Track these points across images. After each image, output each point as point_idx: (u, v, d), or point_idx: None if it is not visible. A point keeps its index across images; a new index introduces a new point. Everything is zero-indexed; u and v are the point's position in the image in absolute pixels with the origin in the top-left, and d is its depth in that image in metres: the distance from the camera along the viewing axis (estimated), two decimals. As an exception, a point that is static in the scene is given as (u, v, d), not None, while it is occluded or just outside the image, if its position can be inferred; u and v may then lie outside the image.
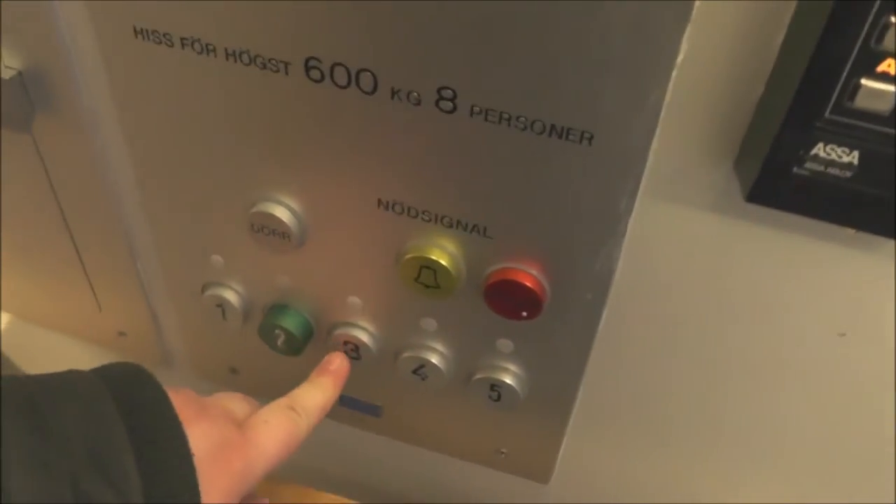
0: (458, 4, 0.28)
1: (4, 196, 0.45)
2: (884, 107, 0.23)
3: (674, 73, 0.27)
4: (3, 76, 0.37)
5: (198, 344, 0.50)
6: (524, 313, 0.36)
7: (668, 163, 0.31)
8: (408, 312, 0.40)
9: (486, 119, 0.31)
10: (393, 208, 0.35)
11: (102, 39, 0.35)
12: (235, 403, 0.36)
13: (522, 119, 0.30)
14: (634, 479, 0.46)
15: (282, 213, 0.38)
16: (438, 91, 0.30)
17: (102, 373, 0.31)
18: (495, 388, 0.41)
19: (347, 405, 0.49)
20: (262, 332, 0.44)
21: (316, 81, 0.32)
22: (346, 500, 0.55)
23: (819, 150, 0.25)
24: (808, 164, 0.25)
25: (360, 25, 0.30)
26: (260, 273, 0.42)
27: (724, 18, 0.27)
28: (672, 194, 0.32)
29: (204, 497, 0.29)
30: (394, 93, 0.31)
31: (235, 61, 0.33)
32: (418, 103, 0.31)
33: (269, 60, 0.32)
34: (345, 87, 0.32)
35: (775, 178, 0.26)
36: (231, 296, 0.44)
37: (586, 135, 0.30)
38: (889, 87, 0.23)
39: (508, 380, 0.40)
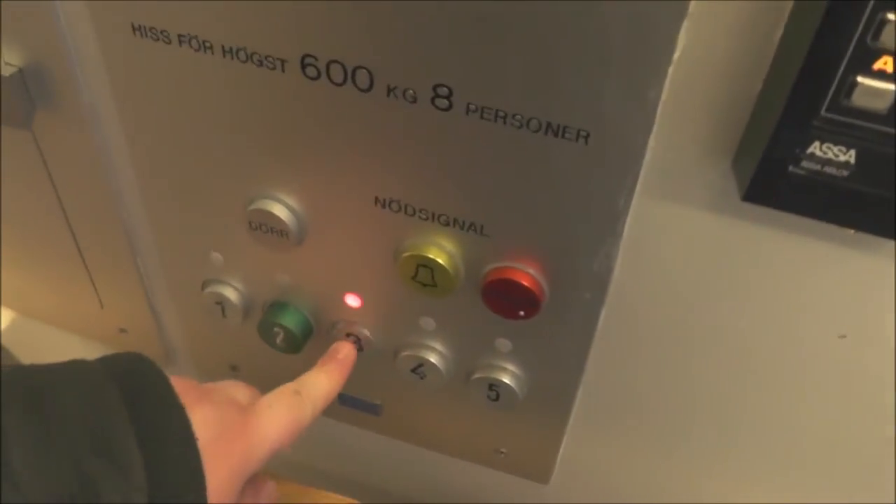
0: (453, 3, 0.28)
1: (6, 193, 0.45)
2: (881, 105, 0.23)
3: (670, 71, 0.27)
4: (3, 73, 0.37)
5: (198, 341, 0.50)
6: (522, 313, 0.36)
7: (667, 161, 0.31)
8: (406, 311, 0.40)
9: (481, 117, 0.30)
10: (390, 206, 0.35)
11: (101, 36, 0.35)
12: (238, 390, 0.36)
13: (518, 117, 0.30)
14: (636, 480, 0.46)
15: (280, 211, 0.38)
16: (434, 89, 0.30)
17: (105, 361, 0.31)
18: (494, 387, 0.41)
19: (347, 404, 0.49)
20: (262, 329, 0.44)
21: (312, 79, 0.32)
22: (346, 500, 0.55)
23: (815, 148, 0.25)
24: (805, 163, 0.25)
25: (356, 23, 0.30)
26: (259, 271, 0.42)
27: (722, 15, 0.26)
28: (671, 193, 0.32)
29: (207, 479, 0.29)
30: (389, 90, 0.31)
31: (232, 58, 0.33)
32: (414, 101, 0.31)
33: (266, 58, 0.32)
34: (341, 85, 0.32)
35: (771, 177, 0.26)
36: (230, 293, 0.44)
37: (582, 133, 0.29)
38: (886, 85, 0.23)
39: (507, 379, 0.40)
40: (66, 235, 0.46)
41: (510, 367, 0.40)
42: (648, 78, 0.27)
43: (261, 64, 0.32)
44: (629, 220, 0.32)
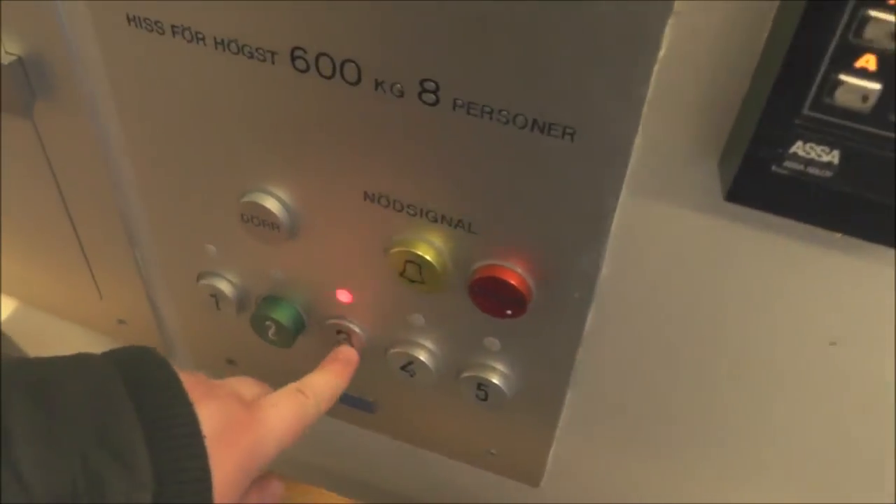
0: (440, -4, 0.28)
1: (7, 183, 0.45)
2: (864, 104, 0.23)
3: (655, 69, 0.27)
4: (2, 62, 0.37)
5: (195, 334, 0.51)
6: (509, 311, 0.36)
7: (655, 160, 0.30)
8: (396, 308, 0.40)
9: (468, 112, 0.30)
10: (379, 201, 0.35)
11: (98, 27, 0.35)
12: (246, 386, 0.37)
13: (504, 113, 0.30)
14: (629, 482, 0.45)
15: (271, 204, 0.38)
16: (421, 83, 0.30)
17: (111, 354, 0.31)
18: (482, 387, 0.41)
19: (342, 401, 0.49)
20: (254, 323, 0.44)
21: (301, 71, 0.32)
22: (341, 499, 0.55)
23: (798, 148, 0.24)
24: (788, 163, 0.24)
25: (344, 16, 0.30)
26: (252, 264, 0.42)
27: (710, 14, 0.26)
28: (659, 192, 0.31)
29: (213, 475, 0.29)
30: (377, 84, 0.31)
31: (224, 50, 0.33)
32: (401, 95, 0.31)
33: (257, 50, 0.32)
34: (329, 78, 0.32)
35: (754, 177, 0.25)
36: (224, 286, 0.44)
37: (568, 130, 0.29)
38: (868, 84, 0.22)
39: (495, 379, 0.40)
40: (66, 225, 0.46)
41: (498, 366, 0.40)
42: (634, 76, 0.27)
43: (252, 56, 0.33)
44: (617, 219, 0.32)
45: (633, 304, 0.35)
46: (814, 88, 0.23)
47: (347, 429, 0.51)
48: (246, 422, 0.33)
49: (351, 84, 0.31)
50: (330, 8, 0.30)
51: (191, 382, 0.31)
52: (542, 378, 0.40)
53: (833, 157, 0.24)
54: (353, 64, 0.31)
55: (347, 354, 0.42)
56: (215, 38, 0.33)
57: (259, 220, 0.38)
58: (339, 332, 0.43)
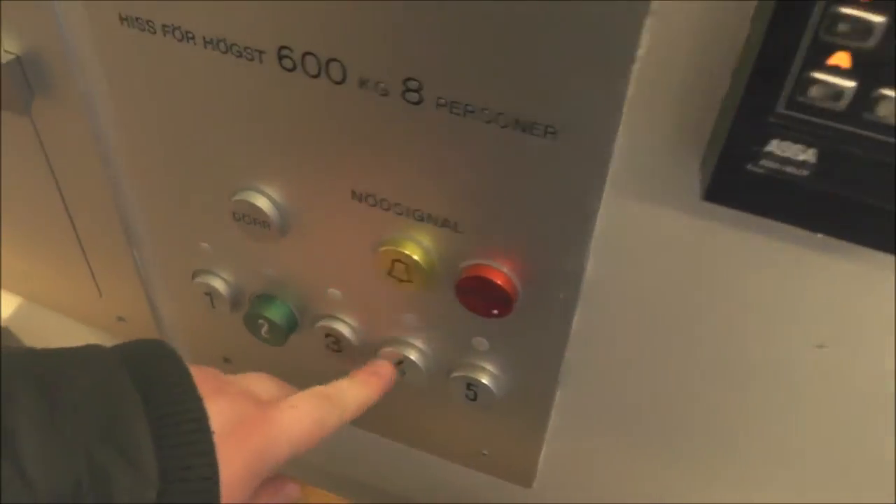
0: (422, -6, 0.28)
1: (6, 180, 0.46)
2: (838, 102, 0.22)
3: (635, 68, 0.27)
4: (1, 60, 0.38)
5: (192, 332, 0.51)
6: (495, 311, 0.36)
7: (639, 160, 0.30)
8: (386, 307, 0.40)
9: (451, 111, 0.30)
10: (367, 200, 0.35)
11: (92, 26, 0.36)
12: (261, 384, 0.36)
13: (487, 112, 0.30)
14: (623, 483, 0.45)
15: (262, 203, 0.38)
16: (404, 82, 0.30)
17: (120, 347, 0.31)
18: (471, 386, 0.41)
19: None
20: (247, 321, 0.44)
21: (288, 70, 0.32)
22: (336, 499, 0.55)
23: (774, 147, 0.24)
24: (764, 162, 0.24)
25: (328, 14, 0.30)
26: (245, 262, 0.43)
27: (691, 12, 0.26)
28: (644, 193, 0.31)
29: (221, 472, 0.29)
30: (362, 83, 0.31)
31: (213, 49, 0.33)
32: (385, 94, 0.31)
33: (245, 49, 0.33)
34: (315, 77, 0.32)
35: (730, 176, 0.25)
36: (219, 284, 0.44)
37: (550, 129, 0.29)
38: (842, 81, 0.22)
39: (484, 379, 0.40)
40: (65, 222, 0.47)
41: (487, 366, 0.40)
42: (613, 75, 0.27)
43: (240, 55, 0.33)
44: (602, 219, 0.32)
45: (620, 304, 0.35)
46: (787, 86, 0.23)
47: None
48: (258, 420, 0.32)
49: (336, 83, 0.32)
50: (314, 7, 0.30)
51: (202, 377, 0.30)
52: (531, 378, 0.39)
53: (810, 155, 0.24)
54: (337, 63, 0.31)
55: (384, 369, 0.40)
56: (204, 38, 0.33)
57: (250, 218, 0.39)
58: (327, 335, 0.43)
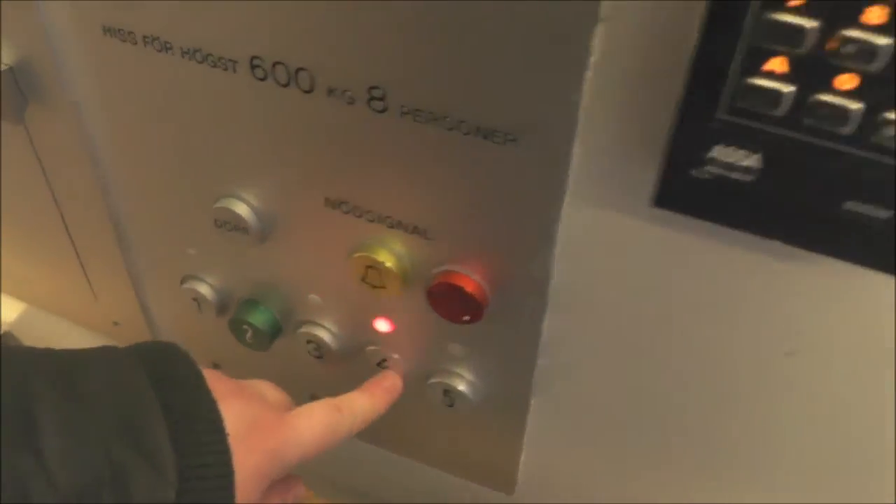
0: (383, 4, 0.28)
1: (4, 187, 0.47)
2: (778, 107, 0.23)
3: (588, 75, 0.27)
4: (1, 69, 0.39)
5: (182, 336, 0.52)
6: (466, 317, 0.36)
7: (601, 167, 0.30)
8: (363, 313, 0.41)
9: (415, 119, 0.31)
10: (340, 207, 0.36)
11: (77, 37, 0.37)
12: (270, 391, 0.37)
13: (449, 120, 0.30)
14: (605, 489, 0.45)
15: (242, 210, 0.39)
16: (369, 90, 0.31)
17: (136, 348, 0.31)
18: (448, 393, 0.41)
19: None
20: (232, 326, 0.45)
21: (261, 80, 0.33)
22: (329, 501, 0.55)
23: (717, 152, 0.24)
24: (709, 167, 0.24)
25: (295, 23, 0.31)
26: (229, 268, 0.44)
27: (647, 16, 0.26)
28: (607, 200, 0.31)
29: (236, 471, 0.29)
30: (329, 91, 0.32)
31: (190, 59, 0.34)
32: (352, 102, 0.32)
33: (219, 58, 0.34)
34: (286, 86, 0.33)
35: (677, 182, 0.25)
36: (205, 289, 0.45)
37: (509, 137, 0.30)
38: (780, 87, 0.22)
39: (460, 385, 0.40)
40: (60, 228, 0.48)
41: (463, 372, 0.40)
42: (567, 82, 0.27)
43: (215, 65, 0.34)
44: (570, 226, 0.32)
45: (590, 311, 0.35)
46: (727, 92, 0.23)
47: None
48: (272, 423, 0.33)
49: (305, 92, 0.32)
50: (282, 16, 0.31)
51: (215, 378, 0.31)
52: (505, 384, 0.40)
53: (754, 160, 0.24)
54: (306, 72, 0.32)
55: (392, 381, 0.41)
56: (182, 48, 0.34)
57: (231, 224, 0.39)
58: (308, 341, 0.43)
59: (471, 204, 0.33)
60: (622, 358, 0.36)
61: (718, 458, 0.38)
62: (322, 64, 0.31)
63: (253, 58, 0.33)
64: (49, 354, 0.29)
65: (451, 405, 0.41)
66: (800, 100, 0.22)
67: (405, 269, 0.36)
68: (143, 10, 0.34)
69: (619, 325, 0.35)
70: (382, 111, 0.31)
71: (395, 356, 0.42)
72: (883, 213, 0.24)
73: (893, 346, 0.30)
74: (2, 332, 0.57)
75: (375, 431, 0.49)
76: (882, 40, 0.21)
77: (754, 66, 0.22)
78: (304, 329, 0.43)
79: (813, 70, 0.22)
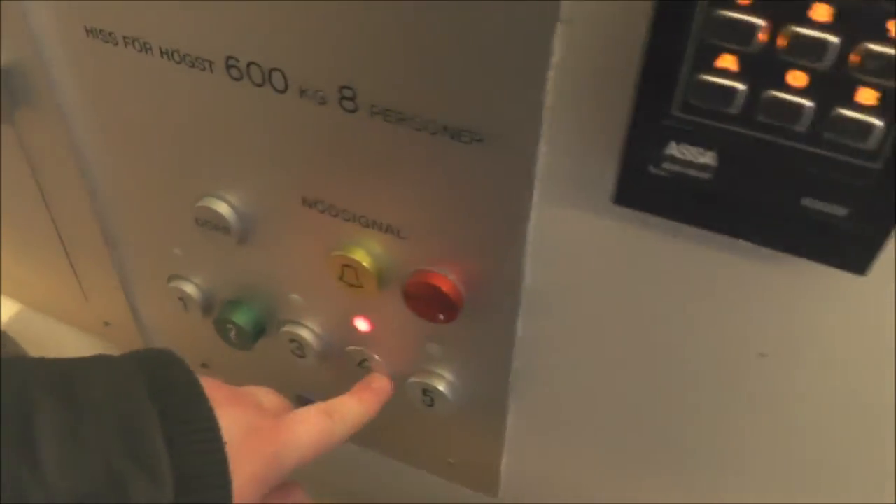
0: (352, 5, 0.29)
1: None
2: (731, 105, 0.23)
3: (551, 74, 0.27)
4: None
5: (171, 336, 0.52)
6: (441, 316, 0.36)
7: (567, 167, 0.30)
8: (342, 312, 0.41)
9: (385, 119, 0.31)
10: (316, 206, 0.36)
11: (61, 39, 0.38)
12: (267, 397, 0.37)
13: (417, 119, 0.30)
14: (588, 491, 0.45)
15: (222, 209, 0.39)
16: (340, 90, 0.31)
17: (133, 356, 0.31)
18: (427, 392, 0.41)
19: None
20: (217, 325, 0.45)
21: (236, 80, 0.34)
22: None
23: (673, 149, 0.24)
24: (666, 165, 0.25)
25: (267, 24, 0.31)
26: (213, 267, 0.44)
27: (608, 16, 0.26)
28: (576, 199, 0.31)
29: (233, 479, 0.29)
30: (302, 92, 0.32)
31: (169, 59, 0.35)
32: (324, 102, 0.32)
33: (196, 59, 0.34)
34: (260, 86, 0.33)
35: (634, 179, 0.25)
36: (190, 289, 0.46)
37: (476, 137, 0.30)
38: (732, 84, 0.22)
39: (439, 385, 0.40)
40: (50, 229, 0.49)
41: (441, 371, 0.40)
42: (530, 81, 0.27)
43: (192, 65, 0.34)
44: (541, 226, 0.32)
45: (565, 312, 0.35)
46: (679, 90, 0.23)
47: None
48: (270, 429, 0.33)
49: (279, 92, 0.33)
50: (254, 17, 0.31)
51: (212, 385, 0.31)
52: (483, 384, 0.40)
53: (709, 158, 0.24)
54: (279, 72, 0.32)
55: (381, 384, 0.41)
56: (160, 48, 0.35)
57: (212, 224, 0.40)
58: (291, 340, 0.44)
59: (441, 203, 0.33)
60: (595, 359, 0.36)
61: (696, 457, 0.38)
62: (294, 64, 0.32)
63: (228, 58, 0.33)
64: (48, 363, 0.29)
65: (430, 405, 0.41)
66: (752, 97, 0.22)
67: (381, 269, 0.37)
68: (123, 10, 0.34)
69: (591, 327, 0.35)
70: (353, 111, 0.32)
71: (376, 357, 0.42)
72: (840, 210, 0.24)
73: (869, 344, 0.30)
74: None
75: (360, 433, 0.49)
76: (830, 37, 0.21)
77: (705, 63, 0.22)
78: (286, 328, 0.44)
79: (764, 67, 0.22)
